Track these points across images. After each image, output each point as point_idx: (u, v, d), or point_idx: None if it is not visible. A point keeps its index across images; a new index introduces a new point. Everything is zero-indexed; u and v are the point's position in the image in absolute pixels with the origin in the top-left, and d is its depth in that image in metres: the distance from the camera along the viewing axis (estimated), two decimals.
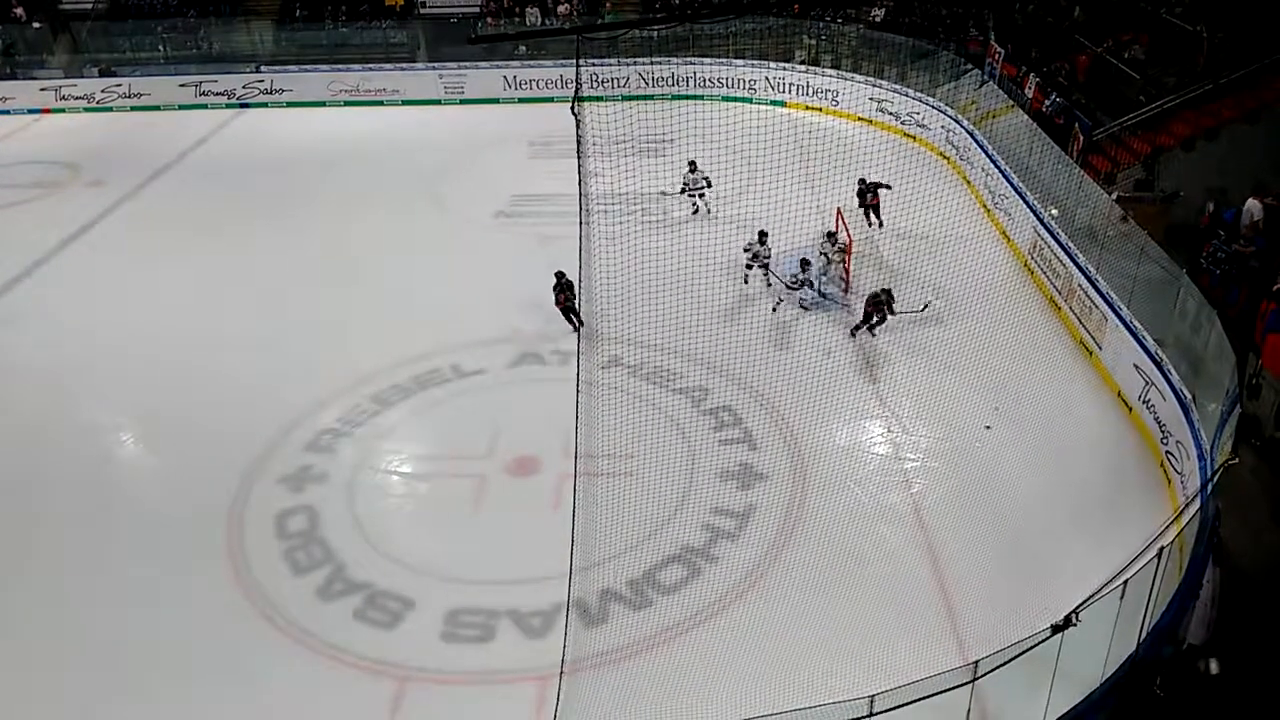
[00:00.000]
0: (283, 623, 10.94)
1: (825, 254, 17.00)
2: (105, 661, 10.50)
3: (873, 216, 18.84)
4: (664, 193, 18.39)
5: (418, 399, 14.78)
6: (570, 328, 15.78)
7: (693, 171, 18.70)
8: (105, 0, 31.73)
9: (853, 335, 15.36)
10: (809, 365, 14.18)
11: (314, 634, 10.76)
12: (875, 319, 15.32)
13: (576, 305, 15.60)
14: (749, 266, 16.80)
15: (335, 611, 11.06)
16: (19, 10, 31.18)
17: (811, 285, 16.00)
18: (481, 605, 11.00)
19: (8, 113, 29.02)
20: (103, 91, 29.38)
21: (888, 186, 18.46)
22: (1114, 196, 15.90)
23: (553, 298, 15.83)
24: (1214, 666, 9.46)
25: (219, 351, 16.01)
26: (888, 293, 15.17)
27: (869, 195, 18.74)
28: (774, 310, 16.24)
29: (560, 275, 15.71)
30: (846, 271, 17.31)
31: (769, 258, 16.59)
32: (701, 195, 19.03)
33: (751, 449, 13.46)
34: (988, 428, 12.78)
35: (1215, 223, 15.82)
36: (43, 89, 29.42)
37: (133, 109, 29.21)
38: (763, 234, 16.29)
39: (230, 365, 15.61)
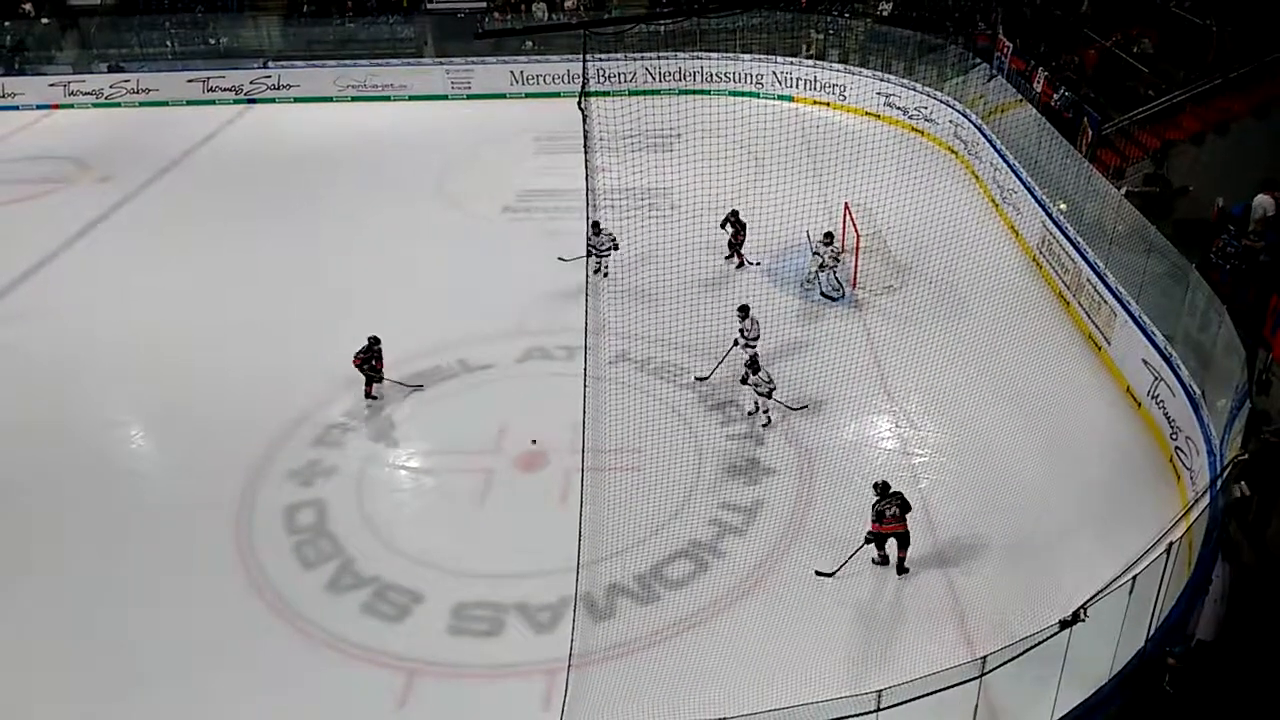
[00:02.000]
0: (292, 616, 10.98)
1: (820, 255, 16.89)
2: (112, 656, 10.53)
3: (733, 252, 17.86)
4: (561, 259, 17.49)
5: (426, 394, 14.80)
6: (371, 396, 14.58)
7: (596, 234, 16.86)
8: None
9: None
10: (816, 360, 14.14)
11: (323, 627, 10.80)
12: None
13: (382, 374, 14.45)
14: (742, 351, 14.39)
15: (344, 605, 11.10)
16: (28, 6, 31.26)
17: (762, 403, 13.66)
18: (489, 599, 11.02)
19: (16, 108, 29.10)
20: (111, 87, 29.45)
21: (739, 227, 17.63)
22: (1123, 191, 15.83)
23: (357, 359, 14.29)
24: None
25: (227, 346, 16.05)
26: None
27: (735, 230, 17.68)
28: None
29: (374, 341, 14.38)
30: (854, 268, 17.29)
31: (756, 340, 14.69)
32: (607, 255, 17.45)
33: (759, 444, 13.45)
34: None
35: (1224, 218, 15.75)
36: (51, 85, 29.52)
37: (141, 105, 29.29)
38: (744, 307, 14.64)
39: (238, 360, 15.66)
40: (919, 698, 7.73)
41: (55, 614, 11.14)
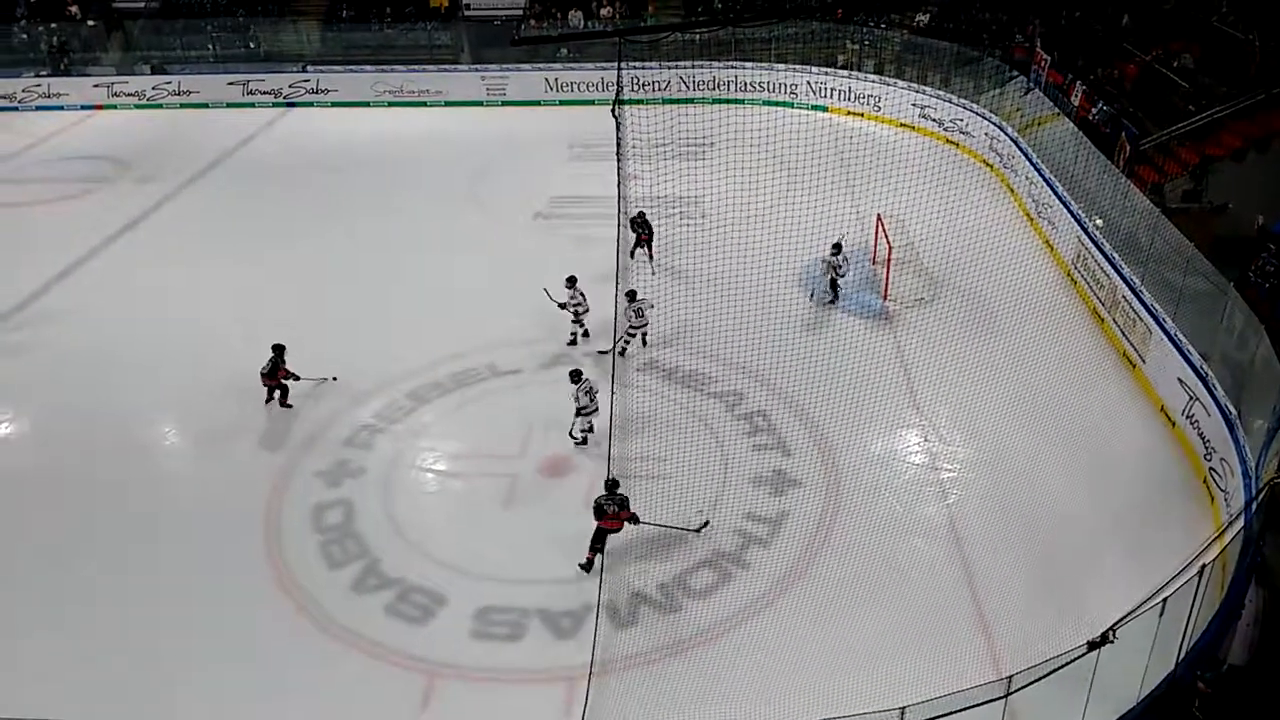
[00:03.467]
0: (317, 615, 11.06)
1: (828, 262, 16.83)
2: (139, 652, 10.66)
3: (640, 252, 18.04)
4: (546, 291, 15.84)
5: (454, 397, 14.89)
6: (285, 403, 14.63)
7: (570, 287, 15.76)
8: None
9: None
10: (845, 372, 14.06)
11: (347, 627, 10.88)
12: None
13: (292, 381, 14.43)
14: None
15: (368, 606, 11.17)
16: (73, 8, 31.88)
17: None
18: (512, 604, 11.05)
19: (61, 109, 29.67)
20: (153, 89, 29.96)
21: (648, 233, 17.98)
22: (1160, 208, 15.64)
23: (267, 371, 14.32)
24: None
25: (260, 346, 16.16)
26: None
27: (642, 231, 17.91)
28: None
29: (279, 350, 14.43)
30: (885, 280, 17.19)
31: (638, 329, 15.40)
32: (583, 315, 15.86)
33: (785, 455, 13.39)
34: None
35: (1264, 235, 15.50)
36: (95, 86, 30.05)
37: (182, 106, 29.75)
38: (630, 292, 15.11)
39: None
40: (943, 716, 7.66)
41: (84, 609, 11.29)
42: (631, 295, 15.12)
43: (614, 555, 11.36)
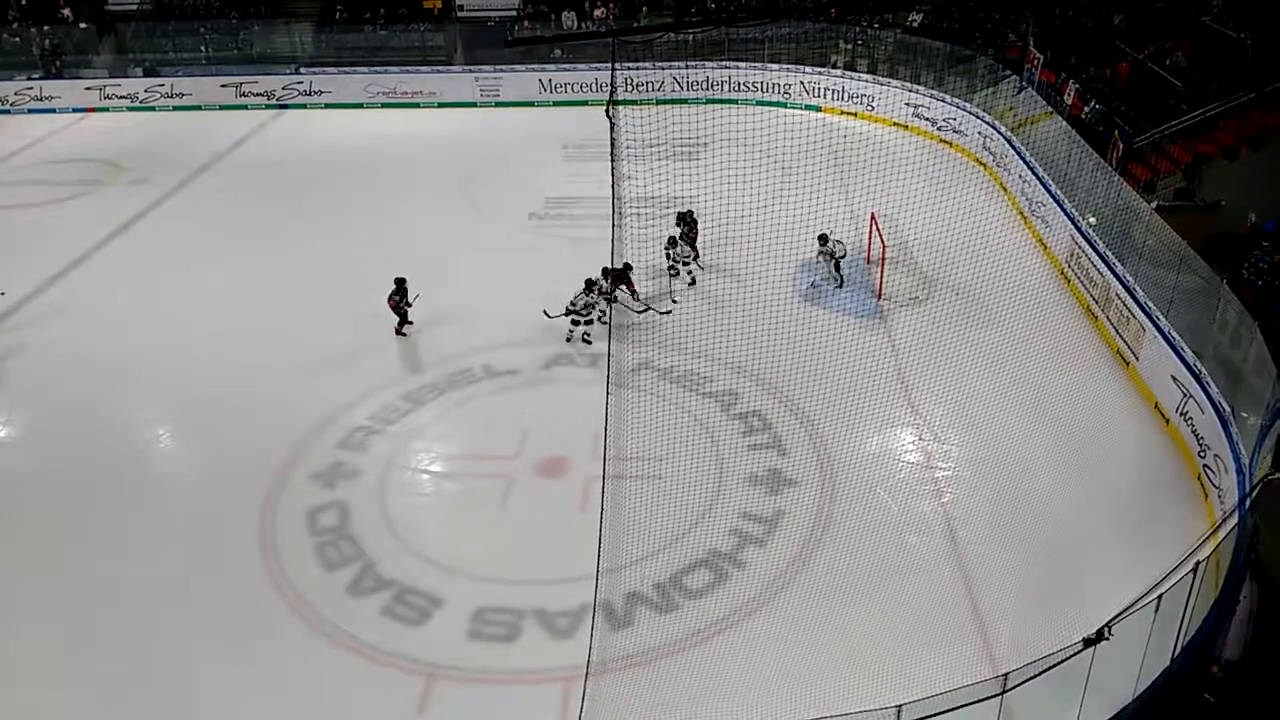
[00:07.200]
0: (313, 618, 11.04)
1: (825, 253, 16.93)
2: (136, 653, 10.62)
3: (686, 248, 17.99)
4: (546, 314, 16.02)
5: (449, 398, 14.88)
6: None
7: (588, 292, 15.89)
8: (150, 1, 32.32)
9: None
10: (840, 371, 14.09)
11: (343, 629, 10.85)
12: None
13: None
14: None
15: (364, 607, 11.14)
16: (66, 10, 31.82)
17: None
18: (508, 604, 11.04)
19: (53, 111, 29.61)
20: (146, 91, 29.93)
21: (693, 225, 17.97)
22: (1153, 205, 15.68)
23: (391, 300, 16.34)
24: None
25: (254, 348, 16.21)
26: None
27: (688, 229, 17.98)
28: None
29: (400, 282, 16.48)
30: (879, 279, 17.22)
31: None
32: (589, 321, 16.01)
33: (781, 454, 13.41)
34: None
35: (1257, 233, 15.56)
36: (88, 88, 30.02)
37: (175, 109, 29.71)
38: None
39: (264, 362, 15.81)
40: (939, 714, 7.66)
41: (78, 611, 11.25)
42: (673, 239, 17.33)
43: (610, 554, 11.35)
